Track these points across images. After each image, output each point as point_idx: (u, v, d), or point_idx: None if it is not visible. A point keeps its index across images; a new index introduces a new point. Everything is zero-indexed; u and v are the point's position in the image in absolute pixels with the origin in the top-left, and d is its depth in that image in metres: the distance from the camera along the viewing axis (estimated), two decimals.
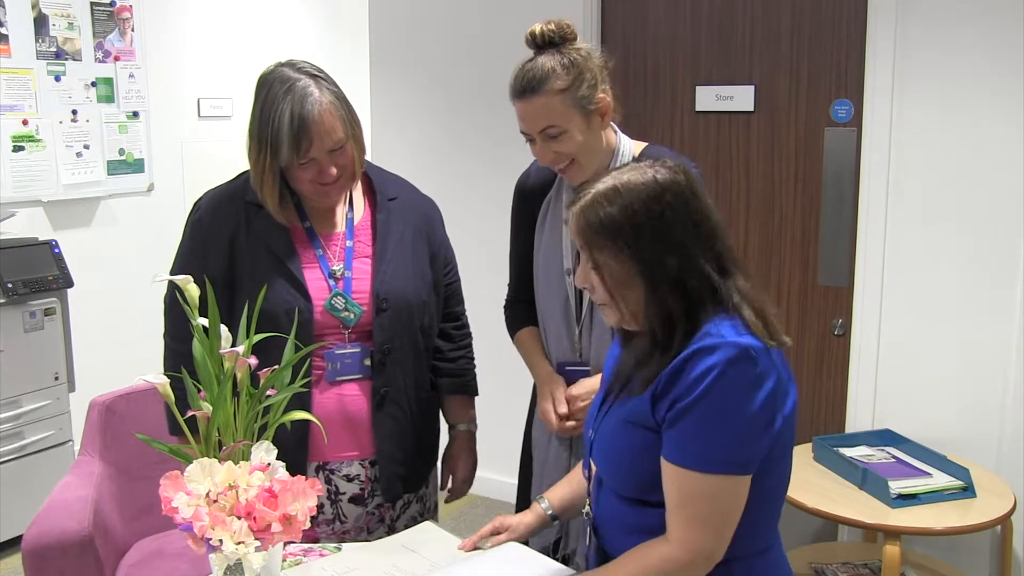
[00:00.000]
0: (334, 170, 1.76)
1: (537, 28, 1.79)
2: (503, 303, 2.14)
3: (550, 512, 1.67)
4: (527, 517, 1.68)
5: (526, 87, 1.76)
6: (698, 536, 1.31)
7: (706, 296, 1.35)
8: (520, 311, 2.06)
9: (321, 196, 1.82)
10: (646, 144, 1.92)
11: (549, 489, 1.72)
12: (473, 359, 2.10)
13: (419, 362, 1.92)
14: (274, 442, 1.45)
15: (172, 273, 1.83)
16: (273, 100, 1.71)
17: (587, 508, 1.57)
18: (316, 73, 1.77)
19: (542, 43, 1.79)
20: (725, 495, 1.31)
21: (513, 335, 2.09)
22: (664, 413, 1.33)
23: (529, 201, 2.00)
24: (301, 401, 1.73)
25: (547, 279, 1.94)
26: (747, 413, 1.28)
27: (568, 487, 1.69)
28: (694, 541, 1.31)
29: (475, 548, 1.65)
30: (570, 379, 1.92)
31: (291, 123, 1.69)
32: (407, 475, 1.91)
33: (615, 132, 1.89)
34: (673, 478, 1.32)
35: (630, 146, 1.90)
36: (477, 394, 2.10)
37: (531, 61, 1.78)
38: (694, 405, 1.29)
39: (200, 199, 1.90)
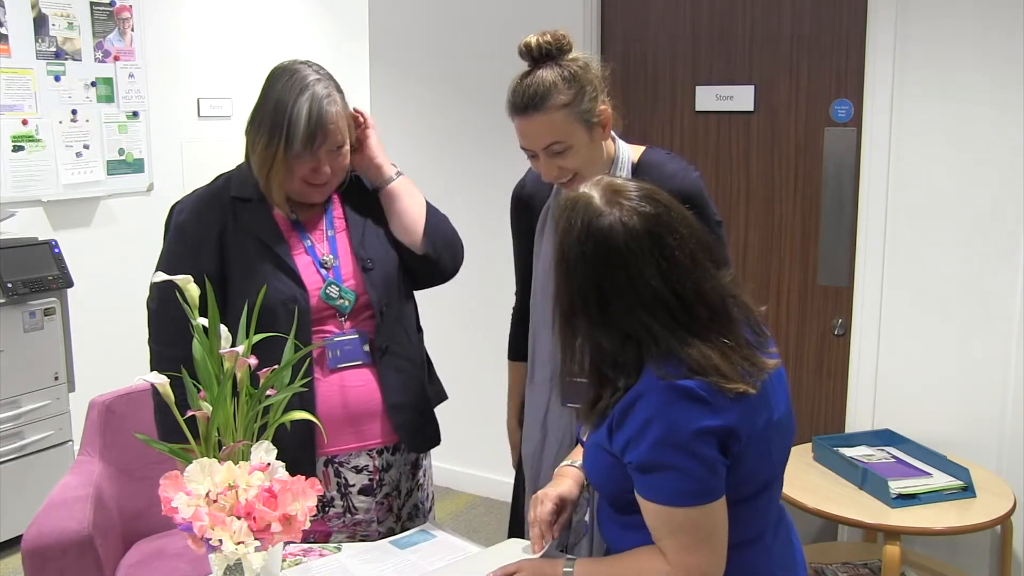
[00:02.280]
0: (328, 170, 1.82)
1: (532, 40, 1.72)
2: (508, 306, 2.15)
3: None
4: (567, 482, 1.59)
5: (528, 104, 1.70)
6: (694, 559, 1.32)
7: (641, 345, 1.33)
8: (519, 334, 2.07)
9: (307, 195, 1.87)
10: (644, 148, 1.90)
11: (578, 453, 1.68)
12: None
13: (408, 321, 1.97)
14: (280, 439, 1.46)
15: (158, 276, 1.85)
16: (291, 91, 1.76)
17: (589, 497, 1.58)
18: (331, 78, 1.83)
19: (539, 56, 1.73)
20: (703, 522, 1.31)
21: (509, 353, 2.13)
22: (620, 449, 1.34)
23: (527, 209, 1.99)
24: (304, 394, 1.75)
25: (547, 286, 1.93)
26: (695, 449, 1.28)
27: None
28: (692, 565, 1.32)
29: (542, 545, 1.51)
30: (571, 389, 1.91)
31: (309, 117, 1.75)
32: (424, 424, 1.97)
33: (613, 140, 1.87)
34: (650, 512, 1.34)
35: (628, 152, 1.87)
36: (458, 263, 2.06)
37: (529, 76, 1.72)
38: (647, 451, 1.30)
39: (178, 203, 1.92)
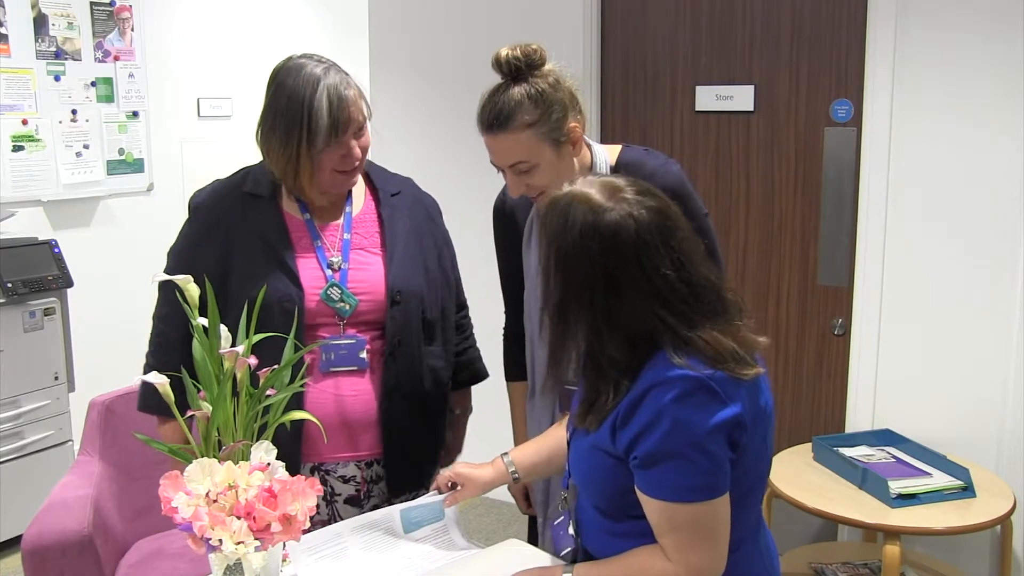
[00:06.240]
0: (359, 151, 1.81)
1: (502, 54, 1.72)
2: (502, 326, 2.12)
3: (513, 471, 1.69)
4: (488, 472, 1.69)
5: (492, 122, 1.70)
6: (697, 557, 1.32)
7: (656, 337, 1.33)
8: (515, 354, 2.04)
9: (340, 184, 1.84)
10: (621, 147, 1.87)
11: (516, 448, 1.74)
12: (476, 346, 2.15)
13: (426, 356, 1.93)
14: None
15: (170, 256, 1.90)
16: (304, 87, 1.74)
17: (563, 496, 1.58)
18: (335, 64, 1.82)
19: (508, 71, 1.72)
20: (707, 518, 1.31)
21: (507, 375, 2.09)
22: (625, 446, 1.33)
23: (509, 223, 1.97)
24: (295, 397, 1.72)
25: (538, 298, 1.92)
26: (707, 443, 1.28)
27: (535, 449, 1.71)
28: (694, 563, 1.32)
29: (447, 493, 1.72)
30: (570, 396, 1.90)
31: (331, 107, 1.73)
32: (413, 471, 1.93)
33: (589, 146, 1.84)
34: (654, 510, 1.33)
35: (604, 155, 1.84)
36: (487, 375, 2.14)
37: (497, 93, 1.71)
38: (657, 443, 1.29)
39: (198, 191, 1.93)
